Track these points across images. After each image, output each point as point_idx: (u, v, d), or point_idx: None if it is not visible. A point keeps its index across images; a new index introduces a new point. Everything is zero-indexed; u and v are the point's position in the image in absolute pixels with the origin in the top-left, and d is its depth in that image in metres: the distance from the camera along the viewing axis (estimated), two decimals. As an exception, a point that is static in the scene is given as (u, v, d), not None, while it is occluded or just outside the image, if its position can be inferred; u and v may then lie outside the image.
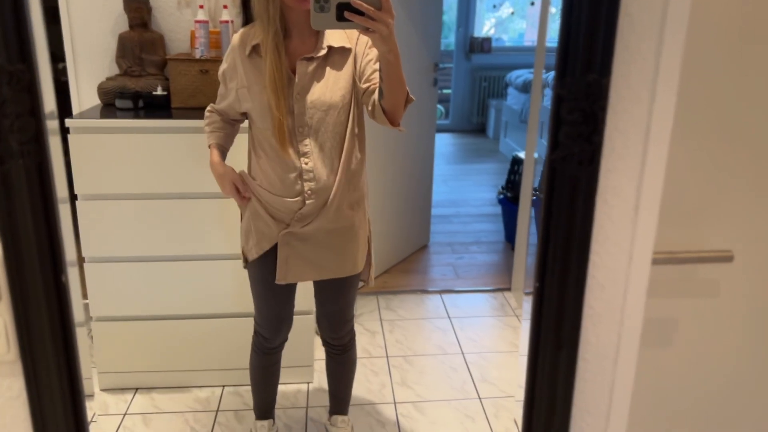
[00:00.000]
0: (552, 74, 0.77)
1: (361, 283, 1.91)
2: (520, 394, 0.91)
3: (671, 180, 0.85)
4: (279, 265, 1.73)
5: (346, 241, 1.74)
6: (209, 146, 1.78)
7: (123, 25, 2.38)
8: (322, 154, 1.64)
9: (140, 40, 2.35)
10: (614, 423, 0.89)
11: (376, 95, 1.57)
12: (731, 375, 1.03)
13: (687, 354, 1.01)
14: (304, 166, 1.64)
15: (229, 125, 1.81)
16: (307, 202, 1.66)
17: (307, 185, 1.65)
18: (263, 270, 1.79)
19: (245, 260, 1.83)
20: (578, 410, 0.88)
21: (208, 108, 1.82)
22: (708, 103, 0.86)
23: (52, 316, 0.75)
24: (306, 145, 1.63)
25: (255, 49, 1.60)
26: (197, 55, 2.29)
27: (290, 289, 1.87)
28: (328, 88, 1.62)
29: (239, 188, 1.73)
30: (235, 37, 1.66)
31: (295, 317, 1.94)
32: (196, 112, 2.24)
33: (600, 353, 0.86)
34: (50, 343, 0.76)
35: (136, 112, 2.24)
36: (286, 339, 1.96)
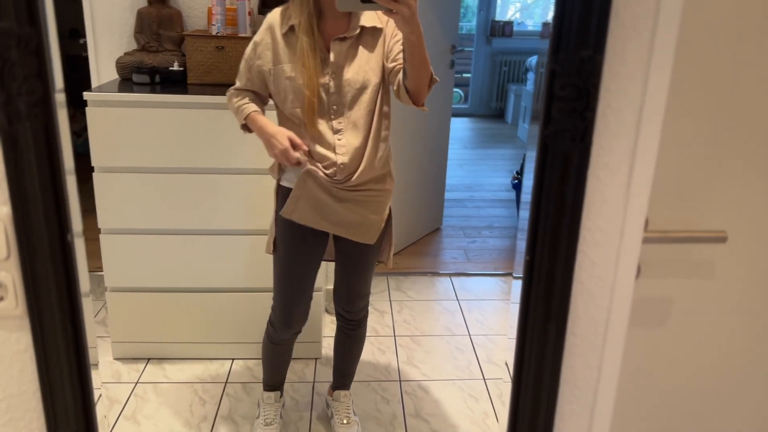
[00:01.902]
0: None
1: (379, 263, 1.94)
2: (507, 374, 0.93)
3: (665, 159, 0.85)
4: (288, 201, 1.73)
5: (365, 208, 1.76)
6: (246, 117, 1.70)
7: (141, 1, 2.41)
8: (355, 130, 1.68)
9: (158, 16, 2.38)
10: (602, 398, 0.91)
11: (401, 75, 1.60)
12: (723, 356, 1.04)
13: (680, 334, 1.02)
14: (337, 141, 1.68)
15: (260, 102, 1.77)
16: (337, 176, 1.70)
17: (340, 158, 1.68)
18: (289, 249, 1.81)
19: (273, 246, 1.85)
20: (566, 384, 0.90)
21: (234, 87, 1.75)
22: (703, 82, 0.86)
23: (57, 273, 0.78)
24: (340, 123, 1.67)
25: (292, 28, 1.64)
26: (214, 31, 2.31)
27: (311, 274, 1.87)
28: (362, 67, 1.65)
29: (295, 142, 1.63)
30: (271, 15, 1.68)
31: (303, 293, 1.97)
32: (212, 88, 2.27)
33: (589, 328, 0.87)
34: (56, 299, 0.79)
35: (152, 87, 2.27)
36: (299, 331, 1.96)
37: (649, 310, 1.00)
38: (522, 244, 0.85)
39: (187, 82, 2.33)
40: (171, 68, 2.34)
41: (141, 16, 2.39)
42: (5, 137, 0.71)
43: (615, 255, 0.83)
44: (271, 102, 1.78)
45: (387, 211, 1.84)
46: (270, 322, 1.95)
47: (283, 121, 1.73)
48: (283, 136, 1.63)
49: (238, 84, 1.77)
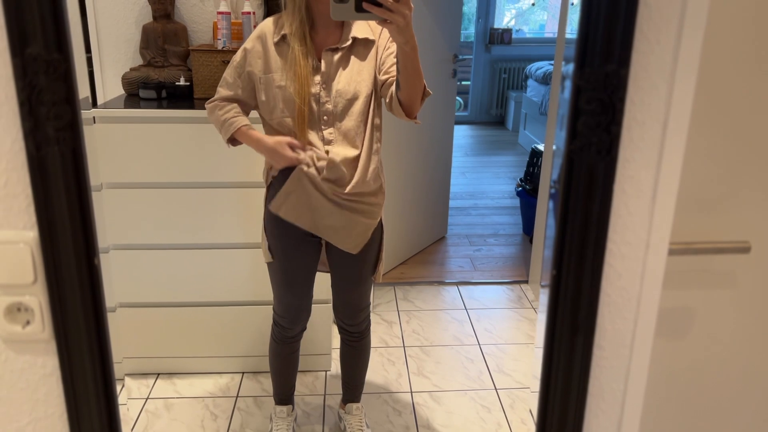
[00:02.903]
0: (572, 66, 0.78)
1: None
2: (536, 385, 0.92)
3: (689, 171, 0.85)
4: (279, 195, 1.70)
5: (354, 219, 1.73)
6: (237, 130, 1.68)
7: (147, 17, 2.41)
8: (345, 141, 1.67)
9: (163, 31, 2.38)
10: (629, 410, 0.90)
11: (393, 87, 1.59)
12: (747, 366, 1.04)
13: (703, 344, 1.02)
14: (327, 153, 1.67)
15: (245, 113, 1.75)
16: (326, 186, 1.68)
17: (328, 171, 1.67)
18: (283, 260, 1.82)
19: (271, 254, 1.85)
20: (593, 397, 0.90)
21: (218, 99, 1.72)
22: (726, 93, 0.87)
23: (84, 297, 0.78)
24: (331, 133, 1.66)
25: (284, 37, 1.64)
26: (219, 45, 2.32)
27: (309, 279, 1.89)
28: (353, 78, 1.65)
29: (295, 145, 1.64)
30: (264, 24, 1.68)
31: (313, 306, 1.97)
32: (218, 103, 2.27)
33: (616, 340, 0.87)
34: (83, 323, 0.79)
35: (159, 102, 2.28)
36: (304, 328, 1.99)
37: (672, 321, 1.00)
38: (548, 252, 0.85)
39: (194, 96, 2.33)
40: (177, 83, 2.34)
41: (146, 31, 2.39)
42: (33, 162, 0.71)
43: (641, 267, 0.83)
44: (255, 114, 1.77)
45: (377, 222, 1.81)
46: (274, 323, 1.97)
47: (271, 132, 1.71)
48: (284, 146, 1.64)
49: (221, 93, 1.73)
